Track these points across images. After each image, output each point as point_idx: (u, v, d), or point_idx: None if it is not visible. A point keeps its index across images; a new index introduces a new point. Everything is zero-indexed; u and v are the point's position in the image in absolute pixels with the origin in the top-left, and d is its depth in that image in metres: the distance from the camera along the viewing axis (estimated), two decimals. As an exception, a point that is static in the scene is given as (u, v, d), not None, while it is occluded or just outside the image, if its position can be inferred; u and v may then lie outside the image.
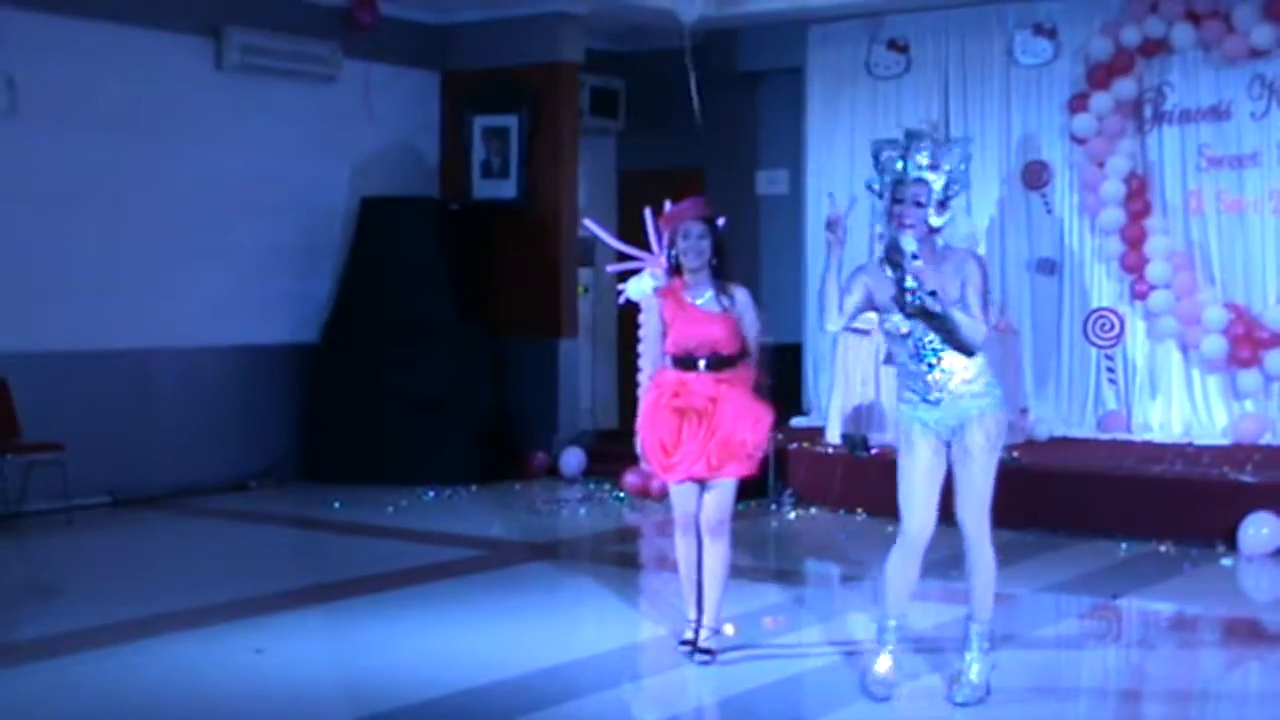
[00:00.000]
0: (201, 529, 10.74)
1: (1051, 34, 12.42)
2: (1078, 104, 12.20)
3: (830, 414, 11.68)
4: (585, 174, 13.67)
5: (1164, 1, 11.83)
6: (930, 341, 6.14)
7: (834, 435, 11.57)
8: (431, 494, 11.85)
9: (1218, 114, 11.84)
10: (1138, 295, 12.09)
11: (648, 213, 11.30)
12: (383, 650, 7.23)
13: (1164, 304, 11.91)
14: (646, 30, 13.41)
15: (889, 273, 6.16)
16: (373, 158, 13.16)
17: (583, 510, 11.41)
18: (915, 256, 6.02)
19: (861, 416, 11.46)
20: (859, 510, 10.84)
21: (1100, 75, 12.07)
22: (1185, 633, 8.07)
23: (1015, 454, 10.92)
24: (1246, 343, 11.62)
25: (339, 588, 8.57)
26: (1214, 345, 11.69)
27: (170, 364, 11.74)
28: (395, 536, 10.30)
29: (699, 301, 6.88)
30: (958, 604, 6.83)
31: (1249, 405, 11.79)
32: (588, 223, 11.92)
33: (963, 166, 6.23)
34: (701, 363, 6.83)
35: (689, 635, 7.08)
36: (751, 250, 13.56)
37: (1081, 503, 10.17)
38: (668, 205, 11.09)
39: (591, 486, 12.27)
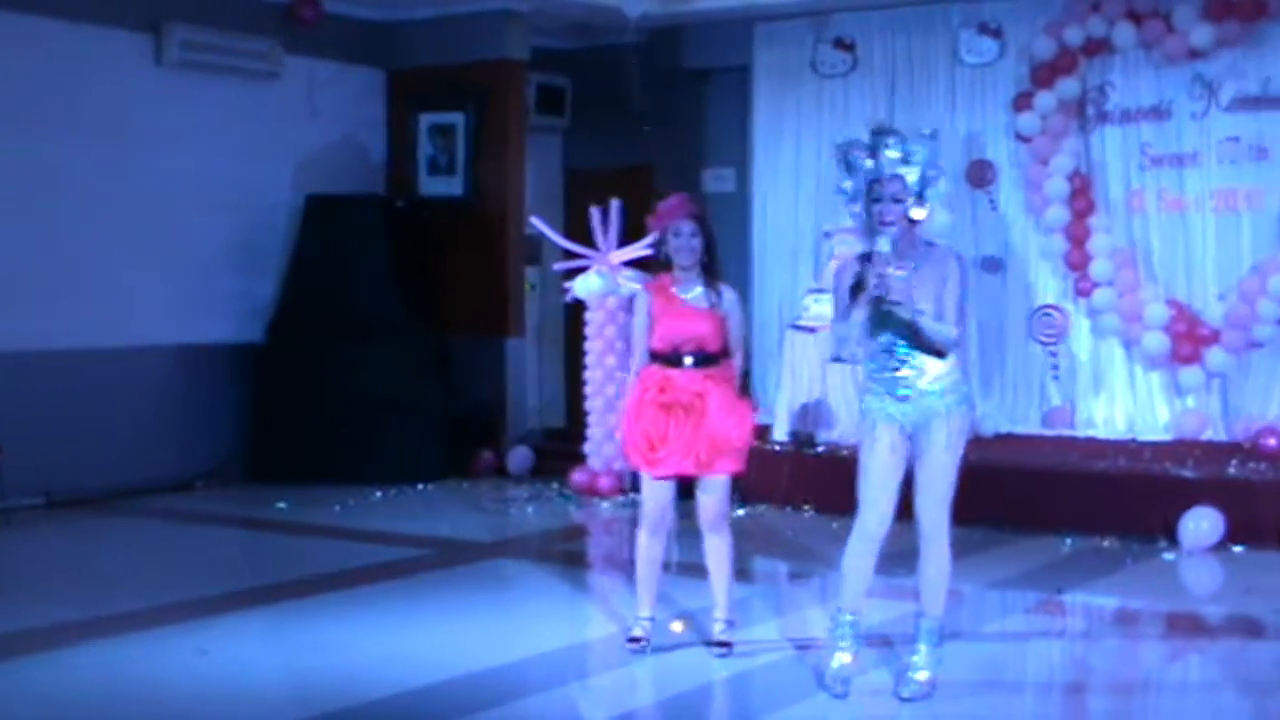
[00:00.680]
0: (145, 530, 10.64)
1: (996, 33, 12.47)
2: (1022, 103, 12.26)
3: (777, 412, 11.70)
4: (531, 172, 13.62)
5: (1106, 1, 11.91)
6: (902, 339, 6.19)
7: (781, 433, 11.60)
8: (378, 493, 11.79)
9: (1159, 113, 11.93)
10: (1081, 292, 12.17)
11: (594, 211, 11.44)
12: (329, 650, 7.19)
13: (1107, 301, 12.00)
14: (592, 28, 13.41)
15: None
16: (317, 155, 13.07)
17: (530, 509, 11.38)
18: (890, 260, 6.00)
19: (809, 414, 11.49)
20: (806, 507, 10.85)
21: (1044, 74, 12.14)
22: (1128, 626, 8.14)
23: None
24: (1187, 339, 11.71)
25: (285, 588, 8.50)
26: (1156, 342, 11.79)
27: (112, 364, 11.60)
28: (342, 536, 10.23)
29: (687, 297, 6.90)
30: (905, 599, 6.85)
31: (1190, 401, 11.89)
32: (534, 221, 12.00)
33: (933, 156, 6.22)
34: (688, 359, 6.85)
35: (638, 633, 7.08)
36: (697, 248, 13.53)
37: (1027, 499, 10.23)
38: (615, 203, 11.26)
39: (539, 485, 12.23)
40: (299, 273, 12.66)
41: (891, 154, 6.09)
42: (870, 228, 6.12)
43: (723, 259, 7.08)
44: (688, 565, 7.34)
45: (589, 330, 11.94)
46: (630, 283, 11.48)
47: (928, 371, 6.17)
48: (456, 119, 13.28)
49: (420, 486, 12.15)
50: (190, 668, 6.86)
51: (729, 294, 6.96)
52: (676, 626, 7.52)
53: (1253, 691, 6.84)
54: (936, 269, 6.13)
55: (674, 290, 6.90)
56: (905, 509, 6.33)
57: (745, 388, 7.05)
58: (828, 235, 12.39)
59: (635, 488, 10.94)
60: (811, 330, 11.49)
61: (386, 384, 12.30)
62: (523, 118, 13.47)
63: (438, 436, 12.68)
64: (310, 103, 12.94)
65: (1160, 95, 11.92)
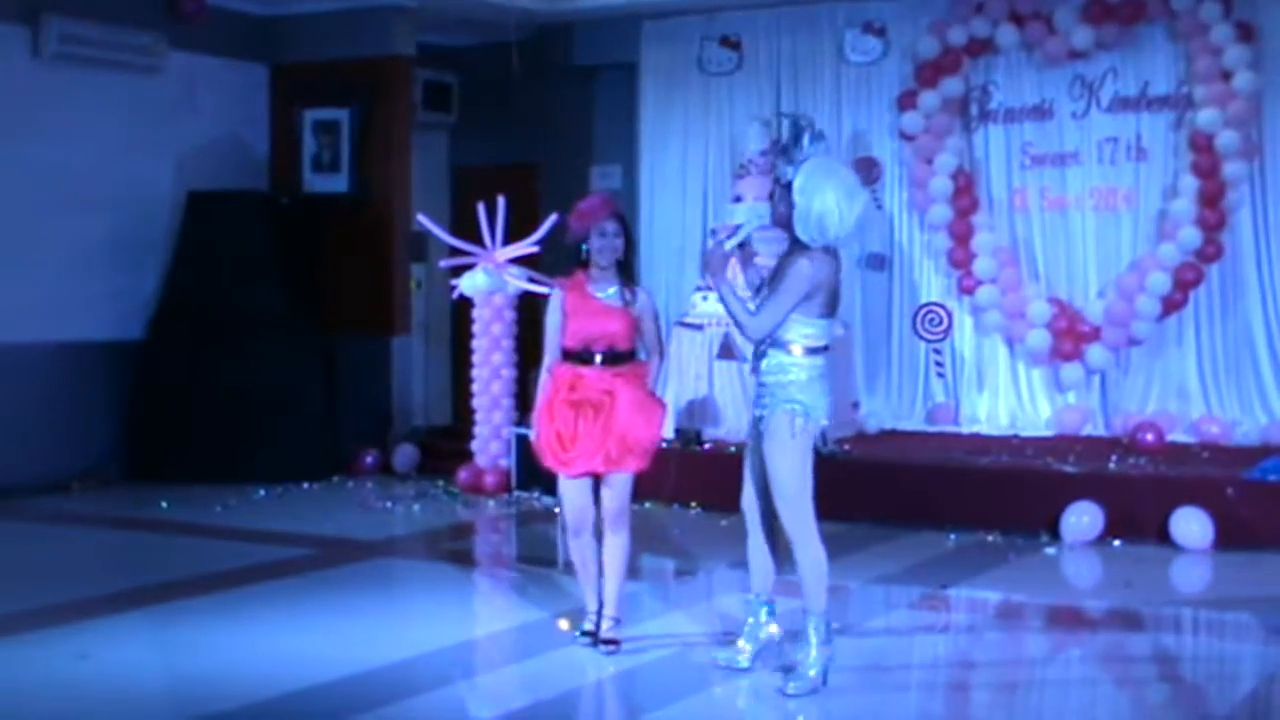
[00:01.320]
0: (19, 532, 10.41)
1: (880, 33, 12.59)
2: (906, 102, 12.38)
3: (664, 408, 11.68)
4: (418, 168, 13.52)
5: (989, 3, 12.06)
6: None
7: (668, 429, 11.59)
8: (262, 492, 11.67)
9: (1040, 113, 12.12)
10: (965, 290, 12.31)
11: (481, 208, 11.40)
12: (212, 652, 7.09)
13: (990, 299, 12.14)
14: (479, 24, 13.33)
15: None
16: (199, 151, 12.90)
17: (416, 507, 11.29)
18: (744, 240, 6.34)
19: (695, 410, 11.51)
20: (693, 504, 10.86)
21: (928, 74, 12.27)
22: (1011, 620, 8.20)
23: (845, 447, 11.08)
24: (1068, 336, 11.88)
25: (166, 589, 8.37)
26: (1038, 339, 11.95)
27: (-14, 361, 11.39)
28: (225, 536, 10.11)
29: (601, 296, 6.91)
30: (795, 596, 6.88)
31: (1071, 398, 12.07)
32: (421, 218, 11.92)
33: (805, 153, 6.31)
34: (598, 357, 6.87)
35: (588, 626, 7.10)
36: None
37: (911, 494, 10.31)
38: (501, 200, 11.21)
39: (425, 484, 12.16)
40: (181, 269, 12.49)
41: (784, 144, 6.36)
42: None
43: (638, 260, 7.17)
44: (571, 562, 7.28)
45: (475, 328, 11.88)
46: (516, 280, 11.47)
47: (773, 369, 6.35)
48: (341, 115, 13.16)
49: (304, 485, 12.05)
50: (69, 673, 6.72)
51: (643, 294, 7.00)
52: (563, 624, 7.52)
53: (1131, 682, 6.96)
54: (787, 268, 6.32)
55: (588, 288, 6.92)
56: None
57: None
58: (714, 233, 12.42)
59: (544, 488, 11.02)
60: (698, 327, 11.51)
61: (270, 382, 12.17)
62: (409, 114, 13.40)
63: (322, 435, 12.58)
64: (193, 98, 12.79)
65: (1042, 95, 12.12)
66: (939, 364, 12.54)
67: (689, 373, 11.58)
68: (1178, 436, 11.41)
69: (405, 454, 12.75)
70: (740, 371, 11.35)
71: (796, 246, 6.34)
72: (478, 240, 11.50)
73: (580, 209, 6.96)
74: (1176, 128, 11.68)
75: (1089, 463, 10.53)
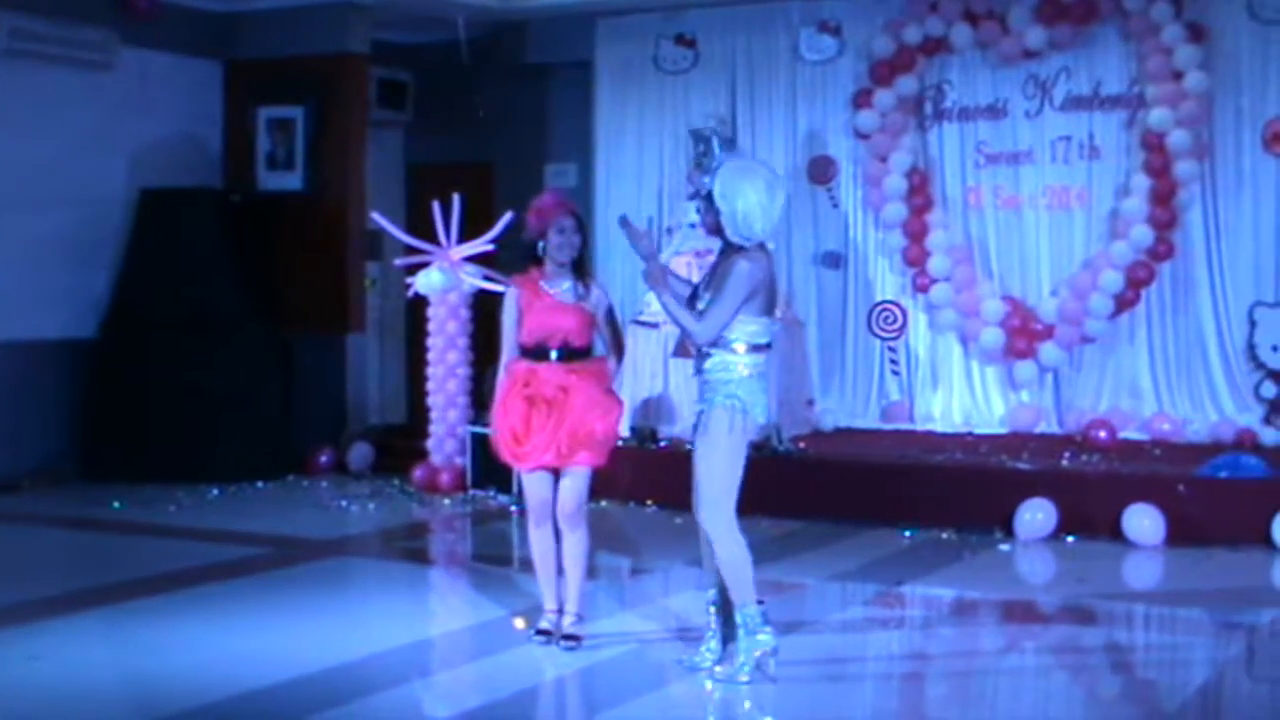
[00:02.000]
0: (-32, 532, 10.35)
1: (836, 31, 12.61)
2: (861, 100, 12.40)
3: (618, 407, 11.66)
4: (372, 166, 13.44)
5: (943, 2, 12.10)
6: None
7: (623, 427, 11.57)
8: (216, 491, 11.60)
9: (994, 112, 12.17)
10: (919, 288, 12.34)
11: (436, 206, 11.35)
12: (167, 653, 7.05)
13: (944, 297, 12.18)
14: (434, 22, 13.28)
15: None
16: (152, 148, 12.80)
17: (371, 506, 11.24)
18: (678, 251, 6.31)
19: (650, 409, 11.51)
20: (648, 502, 10.85)
21: (883, 72, 12.29)
22: (965, 616, 8.26)
23: (800, 445, 11.11)
24: (1022, 335, 11.93)
25: (120, 590, 8.31)
26: (992, 337, 11.99)
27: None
28: (179, 536, 10.04)
29: (555, 292, 6.94)
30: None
31: (1024, 395, 12.12)
32: (375, 216, 11.87)
33: (702, 155, 6.42)
34: (553, 353, 6.89)
35: (544, 625, 7.10)
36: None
37: (866, 492, 10.32)
38: (456, 198, 11.17)
39: (380, 482, 12.12)
40: (134, 267, 12.41)
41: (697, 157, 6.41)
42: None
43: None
44: (528, 560, 7.29)
45: (431, 326, 11.86)
46: (472, 278, 11.43)
47: (715, 368, 6.41)
48: (295, 113, 13.10)
49: (259, 484, 11.99)
50: (21, 675, 6.67)
51: (597, 290, 7.03)
52: (519, 623, 7.51)
53: (1084, 677, 7.03)
54: (726, 271, 6.39)
55: (542, 285, 6.94)
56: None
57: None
58: (670, 231, 12.43)
59: (499, 486, 10.99)
60: (654, 325, 11.50)
61: (224, 380, 12.10)
62: (364, 112, 13.34)
63: (276, 433, 12.51)
64: (145, 94, 12.66)
65: (996, 94, 12.17)
66: (894, 362, 12.57)
67: (644, 371, 11.57)
68: (1130, 434, 11.47)
69: (360, 452, 12.70)
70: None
71: (731, 248, 6.41)
72: (433, 238, 11.38)
73: (537, 206, 6.99)
74: (1128, 127, 11.75)
75: (1042, 460, 10.59)
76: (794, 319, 12.08)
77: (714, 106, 12.87)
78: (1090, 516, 9.74)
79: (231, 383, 12.16)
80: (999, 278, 12.19)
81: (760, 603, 6.45)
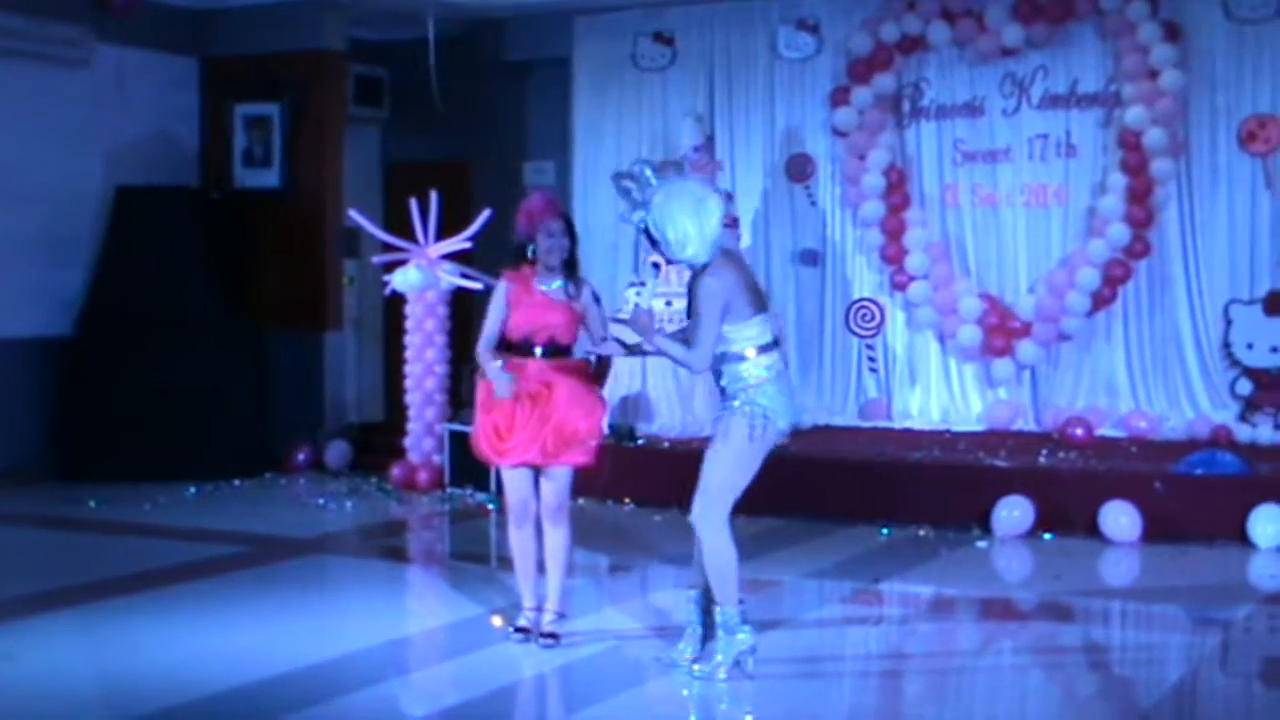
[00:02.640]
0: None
1: (814, 29, 12.59)
2: (839, 98, 12.40)
3: (597, 405, 11.67)
4: (350, 164, 13.41)
5: (921, 0, 12.10)
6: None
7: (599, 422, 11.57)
8: (193, 490, 11.57)
9: (972, 110, 12.17)
10: (897, 286, 12.35)
11: (413, 203, 11.35)
12: (142, 652, 7.02)
13: (922, 294, 12.18)
14: (412, 19, 13.25)
15: None
16: (128, 146, 12.75)
17: (349, 504, 11.23)
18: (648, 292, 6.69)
19: (629, 406, 11.51)
20: (626, 500, 10.86)
21: (861, 70, 12.29)
22: (943, 613, 8.29)
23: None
24: (999, 332, 11.94)
25: (95, 589, 8.29)
26: (969, 335, 12.00)
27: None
28: (155, 535, 10.01)
29: (545, 289, 6.94)
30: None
31: (1002, 393, 12.13)
32: (353, 213, 11.87)
33: (626, 191, 6.55)
34: (538, 349, 6.90)
35: (522, 622, 7.10)
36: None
37: (844, 489, 10.33)
38: (434, 196, 11.17)
39: (357, 480, 12.10)
40: (110, 265, 12.37)
41: (634, 216, 6.49)
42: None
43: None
44: (505, 558, 7.29)
45: (409, 324, 11.84)
46: (449, 276, 11.44)
47: (728, 382, 6.44)
48: (272, 110, 13.07)
49: (236, 482, 11.97)
50: (-7, 674, 6.63)
51: (587, 289, 7.03)
52: (496, 621, 7.52)
53: (1061, 673, 7.04)
54: (696, 293, 6.41)
55: (533, 282, 6.95)
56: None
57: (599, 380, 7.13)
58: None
59: (477, 484, 10.97)
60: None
61: (201, 378, 12.08)
62: (341, 109, 13.32)
63: (254, 431, 12.52)
64: (121, 91, 12.63)
65: (973, 92, 12.17)
66: (871, 359, 12.57)
67: (622, 369, 11.57)
68: (1107, 431, 11.49)
69: (338, 450, 12.67)
70: (674, 368, 11.34)
71: (696, 269, 6.43)
72: (410, 236, 11.46)
73: (526, 209, 7.00)
74: (1105, 125, 11.77)
75: (1019, 457, 10.61)
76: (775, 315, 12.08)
77: (692, 104, 12.87)
78: (1067, 513, 9.76)
79: (208, 381, 12.13)
80: (976, 275, 12.20)
81: (741, 602, 6.45)
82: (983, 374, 12.20)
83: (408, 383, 11.87)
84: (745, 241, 12.46)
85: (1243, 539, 9.37)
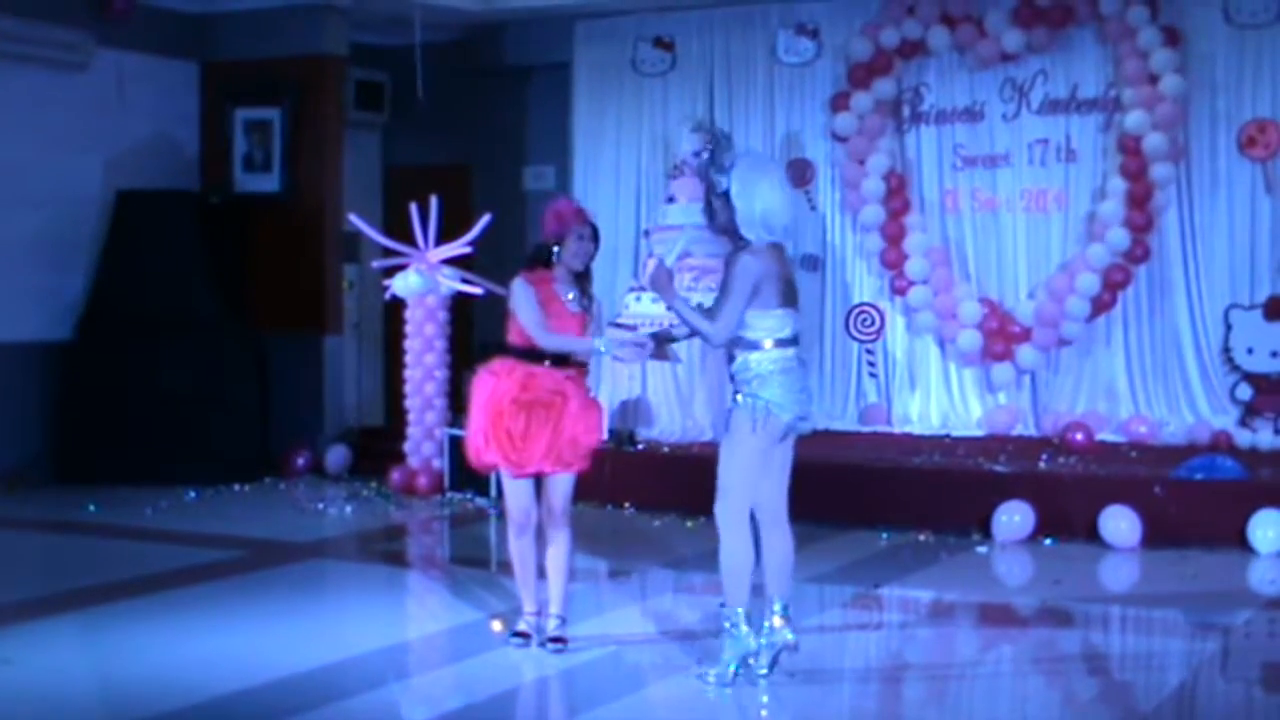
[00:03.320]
0: (-58, 535, 10.28)
1: (813, 34, 12.60)
2: (839, 103, 12.39)
3: (597, 409, 11.68)
4: (350, 168, 13.41)
5: (921, 5, 12.10)
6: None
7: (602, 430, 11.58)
8: (193, 494, 11.55)
9: (971, 115, 12.18)
10: (897, 291, 12.34)
11: (413, 208, 11.37)
12: (142, 656, 7.01)
13: (922, 299, 12.18)
14: (412, 23, 13.23)
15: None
16: (128, 150, 12.74)
17: (348, 509, 11.20)
18: (683, 255, 6.36)
19: (628, 411, 11.49)
20: (627, 505, 10.84)
21: (860, 75, 12.29)
22: (943, 618, 8.26)
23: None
24: (999, 337, 11.94)
25: (94, 593, 8.25)
26: (969, 339, 11.99)
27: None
28: (155, 539, 10.00)
29: (565, 297, 6.91)
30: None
31: (1002, 398, 12.12)
32: (353, 218, 11.88)
33: (712, 153, 6.43)
34: (547, 363, 6.86)
35: (522, 627, 7.09)
36: (518, 245, 13.49)
37: (844, 494, 10.29)
38: (434, 200, 11.19)
39: (357, 485, 12.09)
40: (110, 269, 12.36)
41: (704, 159, 6.42)
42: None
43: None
44: (505, 563, 7.30)
45: (408, 328, 11.82)
46: (449, 280, 11.44)
47: (738, 370, 6.40)
48: (273, 114, 13.07)
49: (236, 487, 11.95)
50: (-8, 679, 6.62)
51: (598, 305, 7.04)
52: (496, 626, 7.50)
53: (1061, 679, 7.01)
54: (730, 269, 6.34)
55: (555, 288, 6.90)
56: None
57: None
58: (647, 234, 12.42)
59: (476, 489, 10.94)
60: (632, 328, 11.32)
61: (201, 383, 12.07)
62: (341, 114, 13.31)
63: (253, 436, 12.52)
64: (121, 96, 12.62)
65: (973, 97, 12.17)
66: (871, 364, 12.57)
67: (622, 373, 11.56)
68: (1106, 436, 11.48)
69: (337, 455, 12.65)
70: (674, 372, 11.38)
71: (739, 246, 6.36)
72: (410, 241, 11.45)
73: (556, 210, 6.96)
74: (1105, 130, 11.77)
75: (1019, 462, 10.62)
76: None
77: (692, 109, 12.86)
78: (1067, 518, 9.77)
79: (208, 385, 12.11)
80: (976, 280, 12.20)
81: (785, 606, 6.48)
82: (983, 379, 12.19)
83: (407, 387, 11.86)
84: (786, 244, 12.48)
85: (1243, 544, 9.37)
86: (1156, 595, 8.62)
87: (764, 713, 6.33)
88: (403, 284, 11.50)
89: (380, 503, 11.47)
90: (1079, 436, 11.24)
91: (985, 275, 12.20)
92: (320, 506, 11.33)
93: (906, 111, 12.37)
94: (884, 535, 9.94)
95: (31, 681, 6.61)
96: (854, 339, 12.61)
